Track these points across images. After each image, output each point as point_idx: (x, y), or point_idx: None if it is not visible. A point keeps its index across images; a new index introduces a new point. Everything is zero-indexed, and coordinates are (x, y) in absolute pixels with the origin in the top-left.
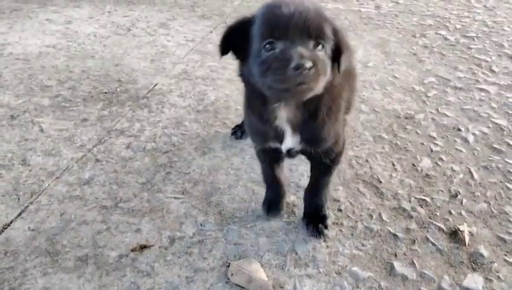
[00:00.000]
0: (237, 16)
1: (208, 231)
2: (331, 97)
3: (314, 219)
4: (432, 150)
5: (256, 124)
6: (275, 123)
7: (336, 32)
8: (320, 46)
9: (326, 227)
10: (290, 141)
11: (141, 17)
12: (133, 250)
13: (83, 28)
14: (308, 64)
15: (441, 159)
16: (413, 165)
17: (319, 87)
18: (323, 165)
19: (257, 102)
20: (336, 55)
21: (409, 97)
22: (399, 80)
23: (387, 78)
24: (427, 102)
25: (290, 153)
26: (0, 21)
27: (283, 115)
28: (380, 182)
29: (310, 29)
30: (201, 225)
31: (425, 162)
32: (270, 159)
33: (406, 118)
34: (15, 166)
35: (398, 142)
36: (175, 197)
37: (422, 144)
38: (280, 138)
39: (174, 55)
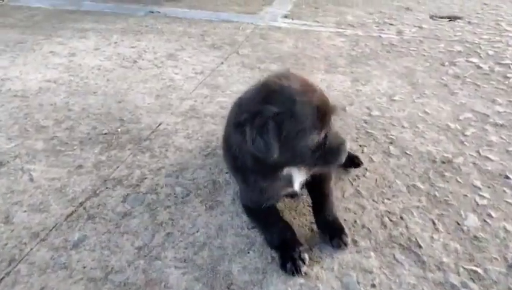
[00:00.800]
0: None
1: None
2: None
3: (337, 232)
4: (477, 204)
5: (265, 187)
6: (283, 175)
7: None
8: None
9: (347, 236)
10: (299, 176)
11: (148, 48)
12: None
13: (87, 60)
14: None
15: (489, 215)
16: (458, 223)
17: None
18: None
19: (266, 171)
20: None
21: (443, 136)
22: (430, 116)
23: (417, 114)
24: (465, 142)
25: (302, 187)
26: (3, 54)
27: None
28: (420, 246)
29: (333, 109)
30: None
31: (472, 220)
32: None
33: (443, 162)
34: None
35: (437, 193)
36: (175, 267)
37: (466, 195)
38: (289, 183)
39: (182, 90)
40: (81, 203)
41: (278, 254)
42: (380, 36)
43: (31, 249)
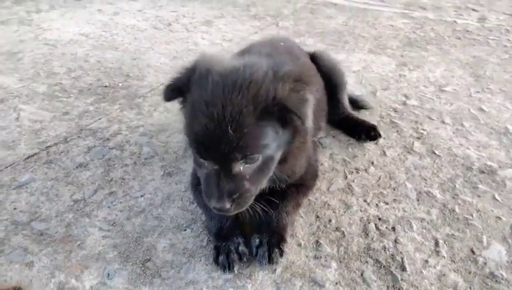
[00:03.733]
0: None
1: (112, 288)
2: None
3: (270, 239)
4: None
5: None
6: None
7: (281, 101)
8: (249, 163)
9: (282, 253)
10: None
11: (188, 13)
12: None
13: (126, 20)
14: (227, 205)
15: None
16: (472, 251)
17: (253, 197)
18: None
19: None
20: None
21: (495, 141)
22: (486, 115)
23: (469, 109)
24: None
25: None
26: (57, 9)
27: None
28: (404, 269)
29: (231, 150)
30: (108, 276)
31: (495, 252)
32: None
33: (483, 171)
34: None
35: (458, 208)
36: (100, 228)
37: (499, 218)
38: None
39: None
40: (46, 147)
41: (213, 243)
42: (455, 21)
43: None
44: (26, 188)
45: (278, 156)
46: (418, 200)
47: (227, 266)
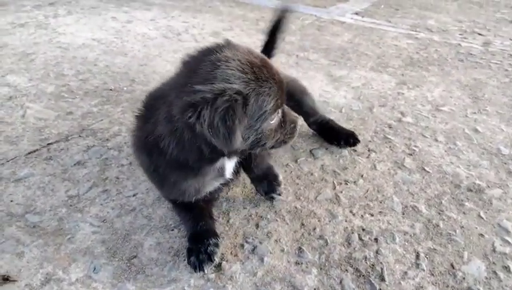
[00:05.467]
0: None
1: (96, 282)
2: None
3: (266, 177)
4: (494, 250)
5: (189, 182)
6: (215, 167)
7: None
8: None
9: (279, 184)
10: (231, 165)
11: (199, 24)
12: None
13: (138, 28)
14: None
15: (505, 268)
16: (452, 266)
17: None
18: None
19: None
20: None
21: (486, 161)
22: (480, 136)
23: (464, 129)
24: None
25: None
26: (74, 14)
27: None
28: (383, 279)
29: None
30: (94, 269)
31: (475, 267)
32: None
33: (470, 190)
34: None
35: (442, 223)
36: (91, 224)
37: (482, 236)
38: (220, 173)
39: None
40: (48, 144)
41: (187, 245)
42: (459, 44)
43: None
44: (25, 181)
45: None
46: (403, 213)
47: (198, 266)
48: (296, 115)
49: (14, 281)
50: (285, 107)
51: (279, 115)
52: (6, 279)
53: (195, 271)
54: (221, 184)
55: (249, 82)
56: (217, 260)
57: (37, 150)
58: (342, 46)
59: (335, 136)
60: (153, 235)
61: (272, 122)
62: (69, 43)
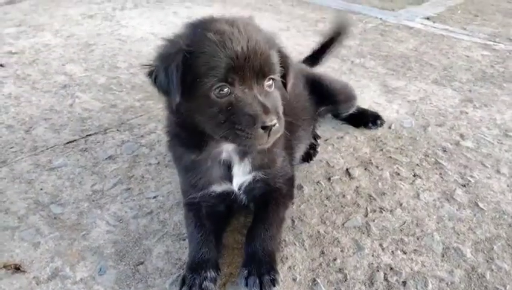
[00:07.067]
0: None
1: (98, 284)
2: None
3: (259, 269)
4: None
5: (192, 165)
6: (219, 158)
7: (281, 55)
8: (271, 81)
9: (274, 282)
10: (240, 172)
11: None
12: (5, 266)
13: None
14: (274, 121)
15: None
16: None
17: (283, 127)
18: (276, 192)
19: (195, 140)
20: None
21: None
22: None
23: None
24: None
25: (244, 191)
26: (139, 8)
27: (229, 148)
28: None
29: (265, 67)
30: (100, 270)
31: None
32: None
33: None
34: (15, 127)
35: (489, 274)
36: (107, 223)
37: None
38: (227, 175)
39: None
40: (87, 136)
41: (184, 271)
42: None
43: (22, 158)
44: (57, 171)
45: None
46: (443, 256)
47: None
48: (272, 118)
49: (24, 271)
50: (257, 99)
51: (233, 96)
52: (17, 268)
53: None
54: (230, 196)
55: (197, 40)
56: None
57: (75, 140)
58: (404, 54)
59: (362, 118)
60: (163, 242)
61: (213, 94)
62: (128, 35)
